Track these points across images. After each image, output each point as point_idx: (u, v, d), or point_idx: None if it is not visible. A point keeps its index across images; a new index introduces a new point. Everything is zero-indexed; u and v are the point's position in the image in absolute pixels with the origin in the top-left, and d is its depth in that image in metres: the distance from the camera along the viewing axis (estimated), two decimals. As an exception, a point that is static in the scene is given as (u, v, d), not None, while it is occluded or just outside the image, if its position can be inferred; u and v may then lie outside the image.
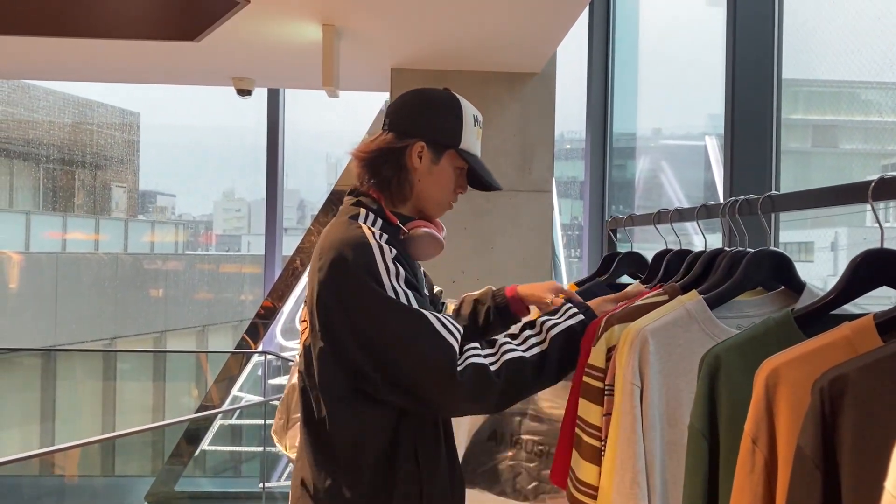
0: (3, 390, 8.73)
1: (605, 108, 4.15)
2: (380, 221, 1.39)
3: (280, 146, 5.83)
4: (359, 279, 1.28)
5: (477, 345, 1.32)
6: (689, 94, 3.76)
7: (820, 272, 2.57)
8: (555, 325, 1.35)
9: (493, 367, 1.28)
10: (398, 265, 1.31)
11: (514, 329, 1.39)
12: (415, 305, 1.30)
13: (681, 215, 1.50)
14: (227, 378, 6.11)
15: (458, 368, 1.26)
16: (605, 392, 1.16)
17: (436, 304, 1.64)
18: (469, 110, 1.46)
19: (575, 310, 1.37)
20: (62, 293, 10.28)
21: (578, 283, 1.75)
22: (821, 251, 2.59)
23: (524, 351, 1.32)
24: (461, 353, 1.29)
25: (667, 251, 1.46)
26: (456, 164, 1.45)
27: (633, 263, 1.72)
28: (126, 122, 12.28)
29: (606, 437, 1.14)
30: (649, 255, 1.66)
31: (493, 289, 1.69)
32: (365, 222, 1.38)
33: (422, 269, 1.56)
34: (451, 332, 1.30)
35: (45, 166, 11.47)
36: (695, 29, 3.61)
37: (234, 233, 14.17)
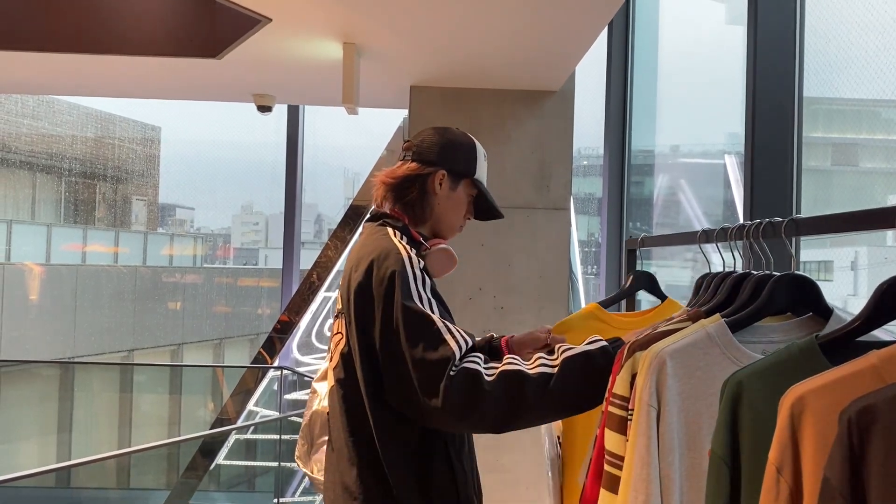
0: (23, 401, 8.81)
1: (624, 125, 4.15)
2: (405, 238, 1.54)
3: (299, 161, 5.88)
4: (390, 282, 1.41)
5: (482, 356, 1.37)
6: (709, 112, 3.75)
7: (840, 291, 2.54)
8: (570, 348, 1.37)
9: (488, 377, 1.31)
10: (425, 274, 1.45)
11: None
12: (436, 311, 1.41)
13: (706, 236, 1.49)
14: (243, 392, 6.12)
15: (451, 373, 1.31)
16: (629, 419, 1.14)
17: None
18: (481, 148, 1.67)
19: (599, 337, 1.38)
20: (81, 305, 10.38)
21: (602, 304, 1.73)
22: (841, 270, 2.57)
23: (529, 368, 1.33)
24: (464, 359, 1.35)
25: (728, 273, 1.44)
26: (469, 191, 1.65)
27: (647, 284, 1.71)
28: (147, 136, 12.44)
29: None
30: (665, 274, 1.65)
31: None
32: (393, 238, 1.52)
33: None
34: (457, 339, 1.36)
35: (67, 179, 11.63)
36: (714, 47, 3.60)
37: (251, 246, 14.25)
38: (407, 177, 1.60)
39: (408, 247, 1.49)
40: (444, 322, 1.39)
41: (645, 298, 1.98)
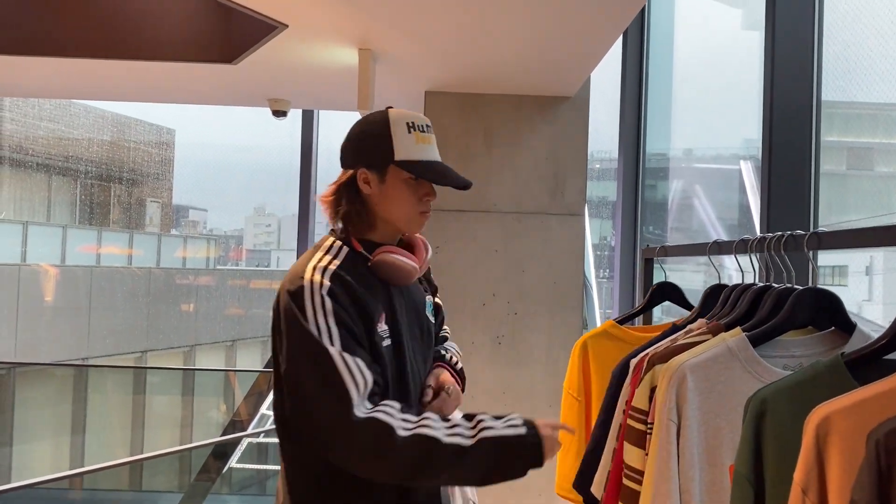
0: (37, 402, 8.88)
1: (638, 129, 4.13)
2: (345, 250, 1.44)
3: (313, 164, 5.90)
4: (288, 313, 1.35)
5: (398, 405, 1.32)
6: (723, 117, 3.73)
7: (855, 297, 2.52)
8: (490, 427, 1.32)
9: (400, 433, 1.28)
10: (331, 300, 1.34)
11: (460, 414, 1.38)
12: (336, 343, 1.32)
13: (720, 248, 1.48)
14: (255, 394, 6.14)
15: (359, 416, 1.27)
16: (648, 432, 1.14)
17: (438, 311, 1.70)
18: (401, 120, 1.45)
19: (518, 421, 1.33)
20: (96, 306, 10.45)
21: (619, 321, 1.71)
22: (855, 275, 2.54)
23: (445, 436, 1.30)
24: (377, 406, 1.30)
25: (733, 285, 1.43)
26: (401, 177, 1.45)
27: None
28: (162, 139, 12.52)
29: None
30: (677, 278, 1.63)
31: None
32: (328, 252, 1.44)
33: (417, 286, 1.60)
34: (355, 377, 1.30)
35: (82, 181, 11.73)
36: (730, 52, 3.58)
37: (264, 248, 14.30)
38: (336, 189, 1.49)
39: (322, 269, 1.38)
40: (344, 359, 1.31)
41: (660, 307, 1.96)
